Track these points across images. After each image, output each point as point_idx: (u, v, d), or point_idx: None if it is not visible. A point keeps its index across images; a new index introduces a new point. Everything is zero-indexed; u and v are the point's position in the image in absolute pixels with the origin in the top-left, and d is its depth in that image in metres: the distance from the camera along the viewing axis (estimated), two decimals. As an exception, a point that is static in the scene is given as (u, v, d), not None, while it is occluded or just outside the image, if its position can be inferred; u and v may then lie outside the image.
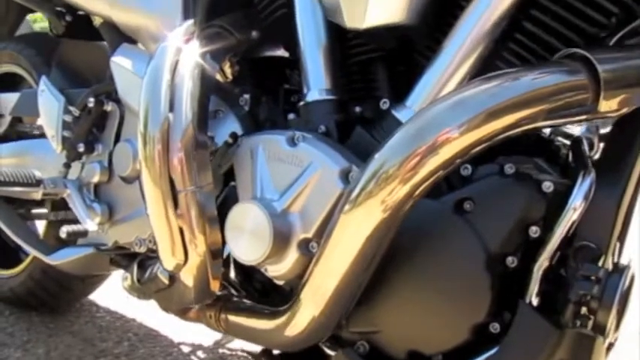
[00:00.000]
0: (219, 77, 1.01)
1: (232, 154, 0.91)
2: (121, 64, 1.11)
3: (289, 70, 1.06)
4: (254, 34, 1.04)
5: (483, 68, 0.79)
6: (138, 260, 1.07)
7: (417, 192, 0.67)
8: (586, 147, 0.81)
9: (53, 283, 1.52)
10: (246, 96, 1.01)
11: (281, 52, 1.09)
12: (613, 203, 0.75)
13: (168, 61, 0.90)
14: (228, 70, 1.02)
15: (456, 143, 0.64)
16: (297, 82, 0.99)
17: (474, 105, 0.64)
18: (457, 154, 0.64)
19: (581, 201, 0.72)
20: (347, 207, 0.70)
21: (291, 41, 0.96)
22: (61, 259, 1.26)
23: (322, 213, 0.75)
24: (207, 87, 0.92)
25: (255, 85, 1.08)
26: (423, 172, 0.65)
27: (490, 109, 0.63)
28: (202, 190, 0.83)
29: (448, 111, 0.65)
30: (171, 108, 0.88)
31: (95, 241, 1.18)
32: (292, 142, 0.79)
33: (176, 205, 0.82)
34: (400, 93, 0.91)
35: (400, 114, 0.83)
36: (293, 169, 0.77)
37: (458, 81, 0.79)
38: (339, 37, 0.92)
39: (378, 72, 0.93)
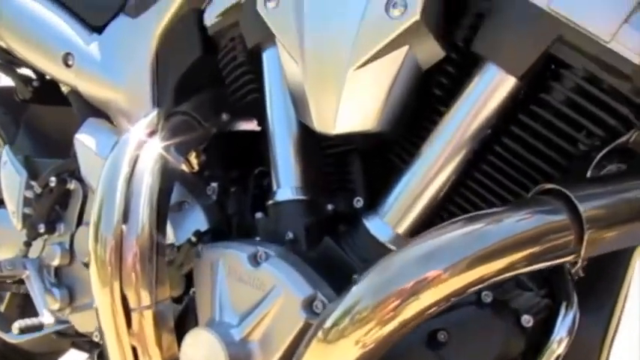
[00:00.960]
0: (184, 167, 0.95)
1: (196, 255, 0.85)
2: (84, 142, 1.06)
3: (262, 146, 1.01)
4: (224, 116, 1.00)
5: (460, 181, 0.75)
6: (98, 351, 1.01)
7: (395, 334, 0.62)
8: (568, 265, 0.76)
9: (16, 352, 1.45)
10: (214, 185, 0.96)
11: (253, 127, 1.05)
12: (599, 332, 0.70)
13: (128, 155, 0.85)
14: (194, 161, 0.97)
15: (434, 290, 0.58)
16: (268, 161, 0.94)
17: (454, 251, 0.58)
18: (436, 302, 0.59)
19: (565, 335, 0.67)
20: (315, 341, 0.64)
21: (264, 120, 0.92)
22: (20, 337, 1.19)
23: (284, 344, 0.69)
24: (170, 183, 0.87)
25: (225, 167, 1.03)
26: (401, 316, 0.60)
27: (472, 256, 0.58)
28: (158, 305, 0.77)
29: (428, 255, 0.60)
30: (128, 208, 0.82)
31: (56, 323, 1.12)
32: (255, 261, 0.73)
33: (129, 322, 0.76)
34: (375, 190, 0.86)
35: (372, 225, 0.78)
36: (254, 292, 0.71)
37: (431, 195, 0.74)
38: (313, 130, 0.87)
39: (352, 165, 0.88)
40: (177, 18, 1.04)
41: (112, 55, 1.10)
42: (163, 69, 1.06)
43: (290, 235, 0.81)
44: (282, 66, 0.81)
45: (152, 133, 0.87)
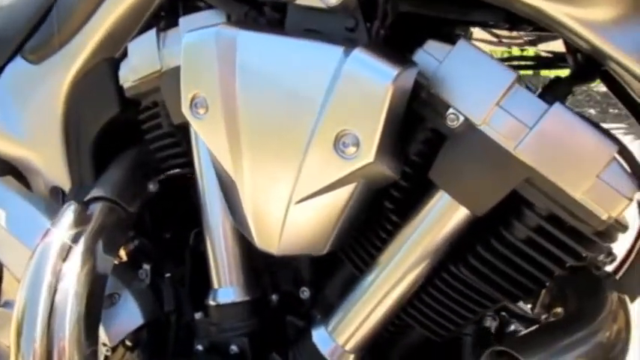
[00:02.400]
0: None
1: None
2: (-8, 213, 0.93)
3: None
4: (151, 187, 0.90)
5: (414, 295, 0.70)
6: None
7: None
8: None
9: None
10: (146, 267, 0.88)
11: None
12: None
13: (51, 263, 0.75)
14: (123, 252, 0.87)
15: None
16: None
17: None
18: None
19: None
20: None
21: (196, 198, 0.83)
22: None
23: None
24: (100, 286, 0.78)
25: (156, 234, 0.94)
26: None
27: None
28: None
29: None
30: (53, 325, 0.74)
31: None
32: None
33: None
34: (322, 280, 0.81)
35: (320, 338, 0.74)
36: None
37: (384, 312, 0.70)
38: None
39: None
40: (87, 68, 0.90)
41: (12, 106, 0.96)
42: (76, 126, 0.93)
43: (234, 348, 0.76)
44: (217, 173, 0.71)
45: (77, 236, 0.77)
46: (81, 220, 0.78)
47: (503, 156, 0.57)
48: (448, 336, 0.73)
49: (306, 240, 0.67)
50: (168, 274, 0.86)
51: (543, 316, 0.70)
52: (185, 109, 0.68)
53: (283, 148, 0.62)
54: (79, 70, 0.90)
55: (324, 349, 0.72)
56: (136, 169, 0.90)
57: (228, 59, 0.64)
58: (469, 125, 0.59)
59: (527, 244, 0.62)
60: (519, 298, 0.67)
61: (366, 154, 0.58)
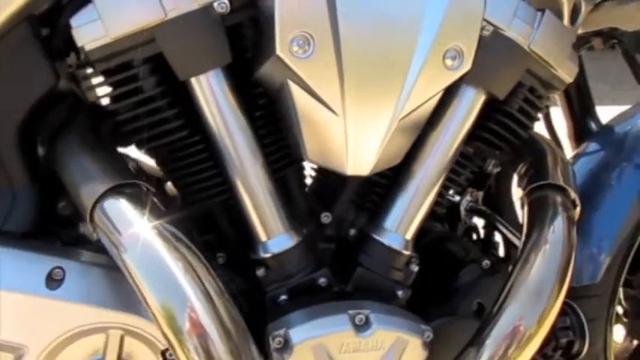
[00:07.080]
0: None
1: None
2: None
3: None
4: (131, 164, 0.78)
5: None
6: None
7: None
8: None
9: None
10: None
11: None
12: None
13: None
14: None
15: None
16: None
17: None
18: None
19: None
20: None
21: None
22: None
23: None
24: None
25: None
26: None
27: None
28: None
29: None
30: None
31: None
32: (360, 327, 0.71)
33: None
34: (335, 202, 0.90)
35: (386, 239, 0.83)
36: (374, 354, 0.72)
37: (430, 201, 0.85)
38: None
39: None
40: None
41: None
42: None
43: (324, 280, 0.79)
44: (299, 111, 0.71)
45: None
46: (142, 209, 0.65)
47: (521, 51, 0.80)
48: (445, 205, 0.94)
49: (394, 154, 0.77)
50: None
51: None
52: (284, 51, 0.66)
53: (390, 70, 0.70)
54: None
55: (395, 245, 0.83)
56: (109, 148, 0.75)
57: (327, -6, 0.65)
58: (496, 32, 0.79)
59: (520, 112, 0.87)
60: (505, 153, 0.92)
61: (467, 63, 0.73)
